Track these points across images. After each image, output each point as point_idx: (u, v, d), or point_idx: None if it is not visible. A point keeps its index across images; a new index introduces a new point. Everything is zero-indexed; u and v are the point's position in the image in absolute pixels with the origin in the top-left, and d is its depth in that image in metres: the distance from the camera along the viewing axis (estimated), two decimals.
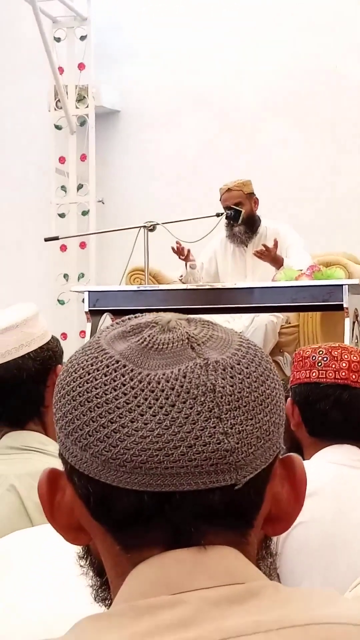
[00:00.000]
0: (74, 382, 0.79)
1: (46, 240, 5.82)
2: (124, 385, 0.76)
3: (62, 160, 7.40)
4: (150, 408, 0.75)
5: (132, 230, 5.43)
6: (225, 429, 0.75)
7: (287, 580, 1.92)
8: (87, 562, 0.85)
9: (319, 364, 2.10)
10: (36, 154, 7.52)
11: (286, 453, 0.84)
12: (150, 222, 5.36)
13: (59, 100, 7.24)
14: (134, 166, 7.35)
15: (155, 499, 0.75)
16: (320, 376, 2.09)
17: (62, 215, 7.33)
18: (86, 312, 5.21)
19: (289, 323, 5.73)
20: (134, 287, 5.44)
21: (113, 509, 0.77)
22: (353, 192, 6.83)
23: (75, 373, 0.79)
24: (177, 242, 5.48)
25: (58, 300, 7.22)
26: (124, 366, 0.78)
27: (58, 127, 7.37)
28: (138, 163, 7.32)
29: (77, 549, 0.85)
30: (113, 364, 0.78)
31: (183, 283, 5.65)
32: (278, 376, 0.82)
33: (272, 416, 0.79)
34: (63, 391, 0.80)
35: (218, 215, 5.53)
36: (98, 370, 0.78)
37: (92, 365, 0.79)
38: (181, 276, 5.75)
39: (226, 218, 5.60)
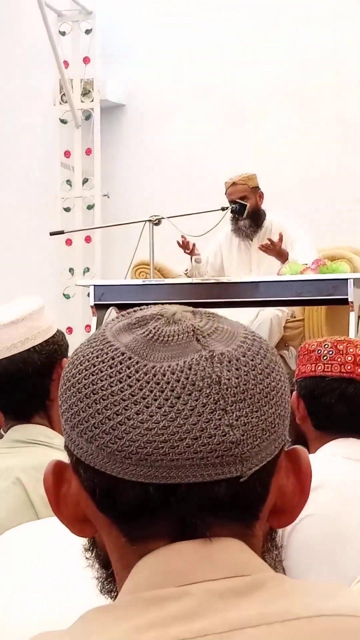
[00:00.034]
0: (79, 374, 0.79)
1: (51, 234, 5.83)
2: (130, 377, 0.76)
3: (67, 154, 7.39)
4: (155, 400, 0.75)
5: (137, 224, 5.43)
6: (231, 421, 0.75)
7: (293, 572, 1.92)
8: (93, 555, 0.85)
9: (325, 357, 2.10)
10: (41, 148, 7.52)
11: (291, 446, 0.84)
12: (155, 216, 5.36)
13: (64, 94, 7.24)
14: (139, 160, 7.34)
15: (160, 491, 0.75)
16: (325, 370, 2.09)
17: (67, 210, 7.32)
18: (91, 306, 5.20)
19: (294, 317, 5.72)
20: (139, 281, 5.43)
21: (119, 501, 0.77)
22: (359, 186, 6.81)
23: (81, 365, 0.79)
24: (182, 236, 5.47)
25: (63, 295, 7.22)
26: (130, 358, 0.77)
27: (63, 121, 7.36)
28: (143, 157, 7.31)
29: (82, 542, 0.85)
30: (119, 356, 0.78)
31: (188, 277, 5.64)
32: (283, 368, 0.82)
33: (278, 408, 0.79)
34: (69, 383, 0.80)
35: (223, 209, 5.53)
36: (103, 363, 0.78)
37: (97, 357, 0.79)
38: (186, 270, 5.74)
39: (231, 212, 5.60)
